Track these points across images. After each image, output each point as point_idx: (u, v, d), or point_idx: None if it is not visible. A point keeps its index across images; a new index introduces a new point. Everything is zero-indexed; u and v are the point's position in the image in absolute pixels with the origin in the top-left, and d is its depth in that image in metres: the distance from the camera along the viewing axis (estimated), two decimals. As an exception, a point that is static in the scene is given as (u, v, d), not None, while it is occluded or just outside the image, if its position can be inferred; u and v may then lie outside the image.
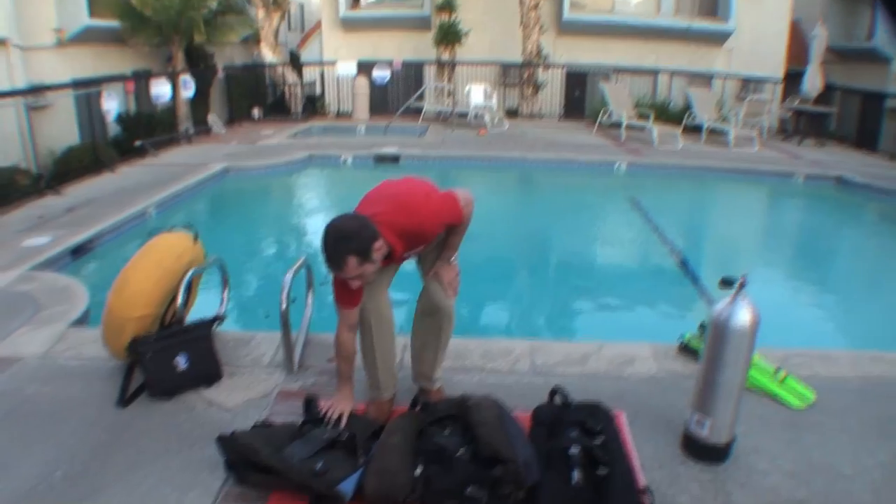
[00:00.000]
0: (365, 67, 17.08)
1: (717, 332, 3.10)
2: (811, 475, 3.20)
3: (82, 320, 4.98)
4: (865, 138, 15.91)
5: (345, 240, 2.88)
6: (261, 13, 18.12)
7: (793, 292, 7.26)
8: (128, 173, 10.32)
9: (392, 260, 3.17)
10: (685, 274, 4.45)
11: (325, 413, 3.24)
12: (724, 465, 3.24)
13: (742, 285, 3.06)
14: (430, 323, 3.55)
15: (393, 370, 3.59)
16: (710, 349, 3.17)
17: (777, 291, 7.04)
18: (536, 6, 17.15)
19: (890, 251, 9.38)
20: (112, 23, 14.55)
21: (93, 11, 14.18)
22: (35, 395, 3.82)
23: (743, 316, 3.03)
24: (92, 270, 6.77)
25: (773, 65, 19.15)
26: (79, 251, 6.88)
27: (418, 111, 16.94)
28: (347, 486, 2.83)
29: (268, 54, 18.50)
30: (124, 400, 3.68)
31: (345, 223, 2.94)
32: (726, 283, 3.11)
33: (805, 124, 16.22)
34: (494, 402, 3.14)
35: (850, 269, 8.54)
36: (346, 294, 3.18)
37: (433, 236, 3.28)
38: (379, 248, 2.95)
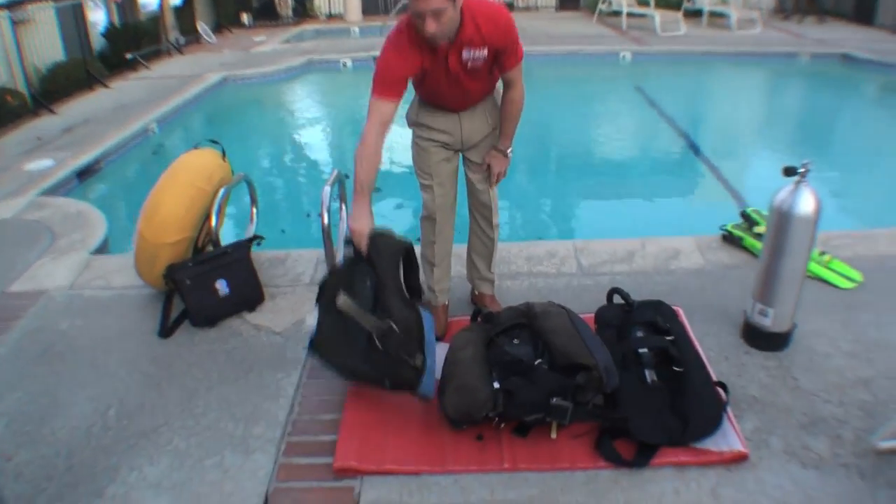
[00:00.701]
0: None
1: (781, 221, 3.03)
2: (872, 353, 3.20)
3: (103, 248, 4.77)
4: (863, 12, 15.50)
5: None
6: None
7: (815, 174, 7.03)
8: (122, 88, 9.96)
9: (453, 51, 2.89)
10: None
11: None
12: (786, 351, 3.22)
13: (805, 173, 2.98)
14: (481, 220, 3.47)
15: (448, 273, 3.49)
16: (772, 238, 3.11)
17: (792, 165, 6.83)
18: None
19: None
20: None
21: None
22: (70, 330, 3.64)
23: (806, 204, 2.97)
24: (101, 193, 6.54)
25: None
26: (85, 173, 6.64)
27: (412, 8, 16.29)
28: (428, 387, 2.74)
29: (253, -46, 17.72)
30: (166, 330, 3.52)
31: None
32: (789, 171, 3.00)
33: (803, 1, 15.76)
34: (561, 307, 2.98)
35: (867, 147, 8.34)
36: (388, 80, 2.89)
37: (502, 50, 2.97)
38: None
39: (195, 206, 3.68)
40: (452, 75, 2.97)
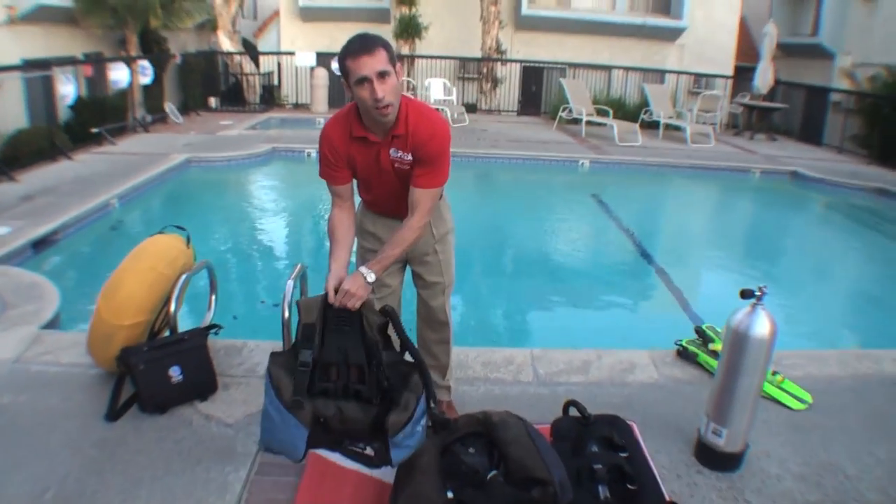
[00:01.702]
0: (324, 59, 16.77)
1: (737, 342, 3.11)
2: (820, 477, 3.26)
3: (54, 322, 4.69)
4: (810, 132, 16.53)
5: (377, 36, 2.76)
6: (218, 0, 17.63)
7: (769, 290, 7.27)
8: (86, 161, 9.93)
9: (385, 146, 2.93)
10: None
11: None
12: (738, 472, 3.26)
13: (761, 296, 3.09)
14: (432, 335, 3.49)
15: None
16: (728, 358, 3.18)
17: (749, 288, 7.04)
18: (496, 2, 17.18)
19: (845, 242, 9.77)
20: (65, 2, 14.02)
21: (46, -10, 13.65)
22: (11, 406, 3.56)
23: (762, 326, 3.05)
24: (56, 266, 6.48)
25: (724, 61, 19.75)
26: (41, 244, 6.56)
27: (378, 104, 16.63)
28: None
29: (225, 42, 18.08)
30: (114, 413, 3.45)
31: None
32: (745, 294, 3.11)
33: (756, 119, 16.64)
34: (518, 418, 3.00)
35: (814, 263, 8.72)
36: (329, 165, 3.01)
37: (421, 160, 2.93)
38: (399, 72, 2.80)
39: (155, 290, 3.67)
40: (384, 171, 3.00)
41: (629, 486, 2.84)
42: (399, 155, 2.94)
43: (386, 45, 2.73)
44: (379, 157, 2.95)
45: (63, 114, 12.29)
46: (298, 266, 3.98)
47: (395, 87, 2.74)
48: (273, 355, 2.72)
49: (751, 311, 3.08)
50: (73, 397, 3.66)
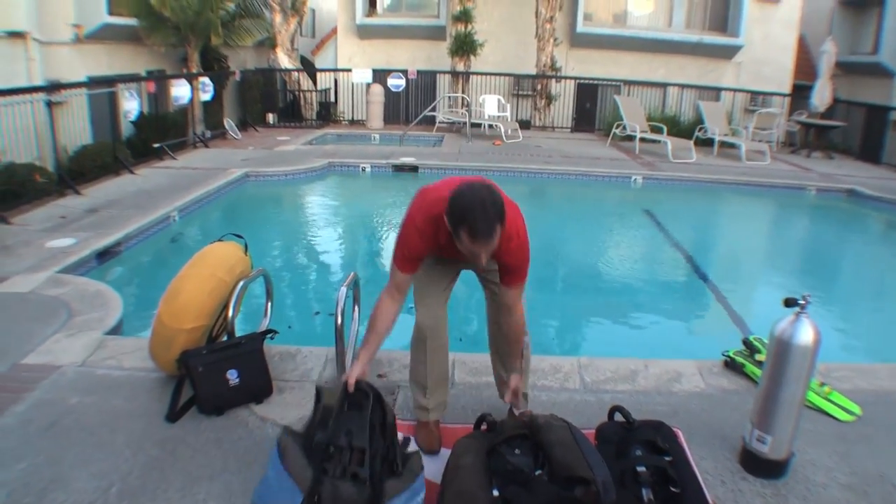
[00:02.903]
0: (379, 75, 17.00)
1: (781, 350, 3.14)
2: (868, 486, 3.26)
3: (117, 328, 4.87)
4: (869, 151, 16.19)
5: (499, 213, 2.74)
6: (278, 18, 18.04)
7: (819, 305, 7.17)
8: (147, 175, 10.22)
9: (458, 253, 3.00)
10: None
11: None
12: (783, 479, 3.27)
13: (805, 305, 3.11)
14: (508, 334, 3.43)
15: (445, 390, 3.52)
16: (771, 366, 3.20)
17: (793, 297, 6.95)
18: (552, 19, 17.18)
19: None
20: (130, 21, 14.45)
21: (111, 9, 14.08)
22: (79, 406, 3.71)
23: (806, 334, 3.08)
24: (119, 275, 6.68)
25: (781, 78, 19.46)
26: (105, 255, 6.78)
27: (432, 121, 16.88)
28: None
29: (283, 60, 18.41)
30: (174, 414, 3.57)
31: (489, 191, 2.78)
32: (790, 302, 3.13)
33: (813, 137, 16.37)
34: (563, 421, 3.05)
35: (871, 281, 8.58)
36: (407, 257, 3.08)
37: (512, 267, 3.12)
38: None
39: (214, 296, 3.79)
40: (461, 262, 3.20)
41: (672, 489, 2.87)
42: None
43: (502, 220, 2.74)
44: (459, 256, 3.02)
45: (126, 129, 12.64)
46: (352, 274, 4.09)
47: (489, 250, 2.82)
48: (286, 428, 2.87)
49: (794, 320, 3.11)
50: (135, 399, 3.80)
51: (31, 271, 5.83)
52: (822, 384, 4.10)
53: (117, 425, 3.51)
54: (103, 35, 14.14)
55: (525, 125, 17.55)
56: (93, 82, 12.45)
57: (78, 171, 9.98)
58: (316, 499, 2.54)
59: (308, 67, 20.82)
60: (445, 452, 3.04)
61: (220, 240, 4.22)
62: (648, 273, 8.43)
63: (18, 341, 4.46)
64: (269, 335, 4.05)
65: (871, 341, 6.41)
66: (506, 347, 3.34)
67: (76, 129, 11.15)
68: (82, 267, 6.31)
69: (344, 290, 3.79)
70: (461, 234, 2.74)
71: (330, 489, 2.56)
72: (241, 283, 3.96)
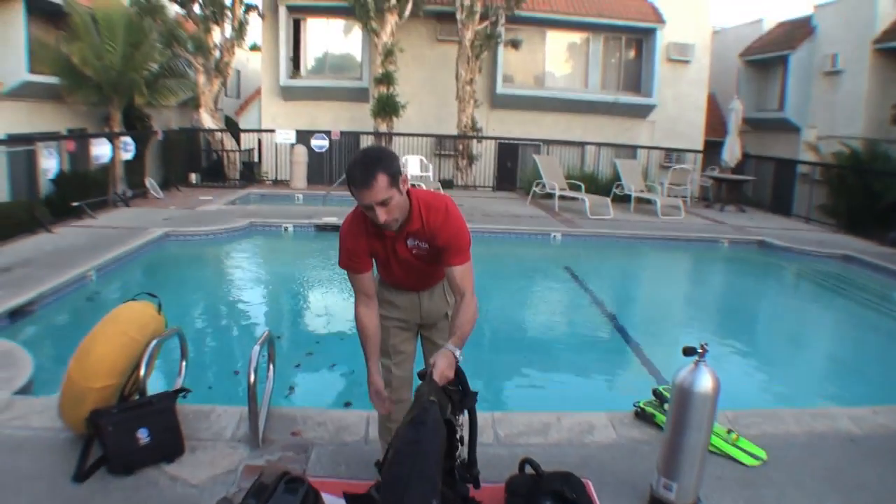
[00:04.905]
0: (303, 136, 17.15)
1: (682, 398, 3.23)
2: None
3: (27, 388, 4.79)
4: (780, 203, 16.96)
5: (376, 158, 2.85)
6: (201, 78, 18.09)
7: (729, 353, 7.46)
8: (65, 234, 10.07)
9: (401, 239, 3.11)
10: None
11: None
12: None
13: (703, 353, 3.22)
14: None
15: None
16: (674, 414, 3.29)
17: (714, 353, 7.09)
18: (471, 81, 17.68)
19: (812, 307, 10.07)
20: (51, 79, 14.33)
21: (32, 67, 13.96)
22: (-18, 468, 3.65)
23: (705, 382, 3.18)
24: (31, 335, 6.55)
25: (693, 135, 20.40)
26: (17, 314, 6.65)
27: (355, 181, 16.92)
28: None
29: (207, 120, 18.43)
30: (82, 474, 3.54)
31: (374, 148, 2.96)
32: (688, 351, 3.24)
33: (725, 191, 16.99)
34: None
35: (780, 328, 8.96)
36: (352, 257, 3.19)
37: (444, 247, 3.10)
38: (405, 182, 2.93)
39: (125, 355, 3.80)
40: (402, 260, 3.20)
41: None
42: (416, 243, 3.15)
43: (386, 169, 2.82)
44: (395, 248, 3.16)
45: (45, 188, 12.46)
46: (265, 332, 4.14)
47: (398, 206, 2.93)
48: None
49: (694, 368, 3.22)
50: (42, 459, 3.74)
51: (-62, 332, 5.71)
52: (730, 431, 4.20)
53: (20, 487, 3.47)
54: (23, 92, 14.01)
55: (448, 185, 17.88)
56: (10, 139, 12.29)
57: (-6, 230, 9.81)
58: None
59: (232, 127, 20.84)
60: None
61: (133, 299, 4.24)
62: (566, 327, 8.62)
63: (-78, 404, 4.35)
64: (182, 394, 4.07)
65: (779, 386, 6.66)
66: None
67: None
68: (-7, 327, 6.20)
69: (257, 348, 3.84)
70: (351, 191, 2.88)
71: None
72: (154, 342, 3.98)
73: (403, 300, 3.46)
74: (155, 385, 4.17)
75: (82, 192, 12.30)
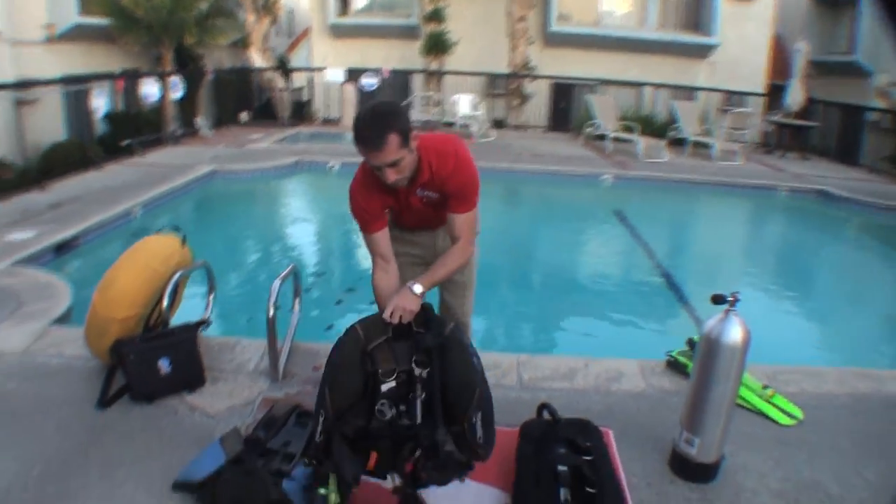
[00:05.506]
0: (353, 74, 17.04)
1: (708, 349, 3.05)
2: (800, 494, 3.16)
3: (64, 318, 4.94)
4: (846, 152, 16.08)
5: (386, 116, 2.76)
6: (251, 18, 18.07)
7: (778, 307, 7.29)
8: (115, 171, 10.28)
9: (412, 191, 3.06)
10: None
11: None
12: (712, 483, 3.19)
13: (734, 302, 3.01)
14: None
15: None
16: (700, 366, 3.12)
17: (762, 306, 7.04)
18: (523, 18, 17.29)
19: (871, 264, 9.59)
20: (102, 21, 14.44)
21: (83, 9, 14.08)
22: (14, 392, 3.80)
23: (734, 333, 2.99)
24: (75, 268, 6.73)
25: (756, 78, 19.54)
26: (62, 248, 6.85)
27: (405, 119, 16.86)
28: None
29: (257, 59, 18.46)
30: (105, 401, 3.65)
31: (384, 103, 2.84)
32: (717, 299, 3.05)
33: (787, 137, 16.41)
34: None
35: (835, 284, 8.64)
36: (367, 218, 3.11)
37: (451, 194, 3.06)
38: (415, 138, 2.85)
39: (148, 286, 3.86)
40: (415, 209, 3.15)
41: (588, 490, 2.78)
42: (426, 193, 3.08)
43: (397, 128, 2.73)
44: (409, 199, 3.09)
45: (99, 127, 12.66)
46: (290, 266, 4.18)
47: (409, 165, 2.86)
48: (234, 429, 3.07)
49: (723, 318, 3.02)
50: (70, 386, 3.87)
51: (-15, 264, 5.89)
52: (766, 387, 4.00)
53: (49, 411, 3.59)
54: (76, 35, 14.13)
55: (500, 125, 17.65)
56: (65, 80, 12.47)
57: (48, 167, 10.03)
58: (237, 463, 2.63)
59: (283, 66, 20.83)
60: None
61: (157, 233, 4.31)
62: (612, 273, 8.51)
63: (-38, 331, 4.52)
64: (203, 325, 4.13)
65: (828, 344, 6.42)
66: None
67: (49, 126, 11.21)
68: (39, 259, 6.38)
69: (277, 282, 3.87)
70: (358, 150, 2.79)
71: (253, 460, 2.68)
72: (178, 274, 4.04)
73: (420, 237, 3.45)
74: (186, 317, 4.24)
75: (134, 131, 12.48)
